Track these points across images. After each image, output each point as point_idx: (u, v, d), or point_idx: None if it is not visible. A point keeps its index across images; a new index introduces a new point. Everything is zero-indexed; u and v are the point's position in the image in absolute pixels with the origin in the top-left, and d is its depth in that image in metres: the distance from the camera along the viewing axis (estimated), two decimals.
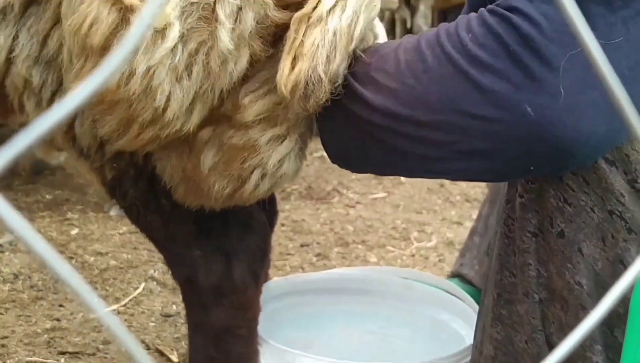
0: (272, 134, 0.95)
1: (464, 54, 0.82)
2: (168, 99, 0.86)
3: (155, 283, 2.16)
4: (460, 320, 1.38)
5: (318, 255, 2.43)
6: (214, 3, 0.83)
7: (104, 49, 0.84)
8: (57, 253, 0.25)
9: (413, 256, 2.48)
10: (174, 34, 0.82)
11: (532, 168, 0.87)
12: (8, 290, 2.08)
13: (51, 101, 1.01)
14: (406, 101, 0.86)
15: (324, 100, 0.87)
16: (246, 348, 1.19)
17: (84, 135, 1.04)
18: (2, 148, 0.27)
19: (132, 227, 2.51)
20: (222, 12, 0.83)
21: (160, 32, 0.82)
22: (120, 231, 2.51)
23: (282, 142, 0.96)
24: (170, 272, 1.23)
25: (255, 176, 0.97)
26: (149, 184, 1.08)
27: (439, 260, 2.45)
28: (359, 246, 2.54)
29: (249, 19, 0.85)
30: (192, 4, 0.83)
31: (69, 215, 2.66)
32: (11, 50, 0.99)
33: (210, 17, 0.83)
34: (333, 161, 1.00)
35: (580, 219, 0.91)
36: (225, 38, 0.84)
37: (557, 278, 0.94)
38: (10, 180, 2.90)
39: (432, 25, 3.59)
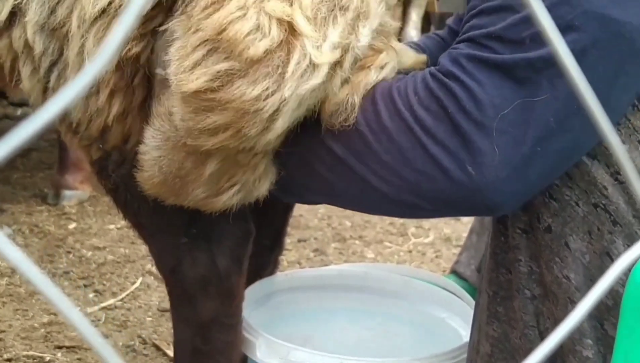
0: (265, 156, 0.99)
1: (411, 113, 0.89)
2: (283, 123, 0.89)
3: (152, 277, 2.16)
4: (458, 318, 1.38)
5: (315, 250, 2.42)
6: (346, 52, 0.89)
7: (258, 62, 0.84)
8: (31, 262, 0.25)
9: (410, 252, 2.48)
10: (323, 73, 0.87)
11: (474, 214, 0.96)
12: (5, 284, 2.07)
13: (49, 71, 1.00)
14: (355, 148, 0.92)
15: (348, 123, 0.93)
16: (231, 337, 1.19)
17: (75, 108, 1.03)
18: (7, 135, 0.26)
19: None
20: (347, 62, 0.89)
21: (315, 68, 0.86)
22: (118, 226, 2.50)
23: (262, 159, 0.99)
24: (155, 265, 1.21)
25: (231, 192, 1.00)
26: (132, 170, 1.05)
27: (436, 256, 2.45)
28: (357, 241, 2.53)
29: (347, 69, 0.91)
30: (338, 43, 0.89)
31: (67, 209, 2.65)
32: (13, 12, 0.98)
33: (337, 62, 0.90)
34: (279, 194, 1.04)
35: (566, 214, 0.93)
36: (338, 83, 0.91)
37: (547, 272, 0.96)
38: (8, 174, 2.89)
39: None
